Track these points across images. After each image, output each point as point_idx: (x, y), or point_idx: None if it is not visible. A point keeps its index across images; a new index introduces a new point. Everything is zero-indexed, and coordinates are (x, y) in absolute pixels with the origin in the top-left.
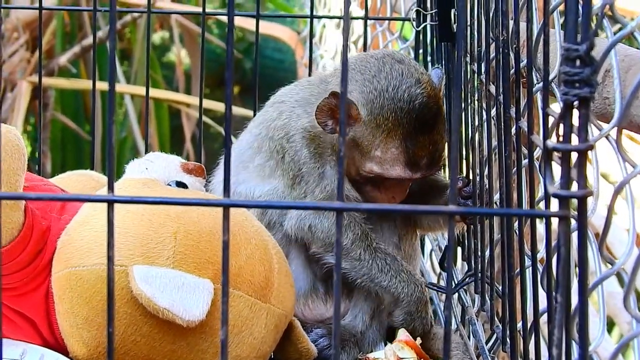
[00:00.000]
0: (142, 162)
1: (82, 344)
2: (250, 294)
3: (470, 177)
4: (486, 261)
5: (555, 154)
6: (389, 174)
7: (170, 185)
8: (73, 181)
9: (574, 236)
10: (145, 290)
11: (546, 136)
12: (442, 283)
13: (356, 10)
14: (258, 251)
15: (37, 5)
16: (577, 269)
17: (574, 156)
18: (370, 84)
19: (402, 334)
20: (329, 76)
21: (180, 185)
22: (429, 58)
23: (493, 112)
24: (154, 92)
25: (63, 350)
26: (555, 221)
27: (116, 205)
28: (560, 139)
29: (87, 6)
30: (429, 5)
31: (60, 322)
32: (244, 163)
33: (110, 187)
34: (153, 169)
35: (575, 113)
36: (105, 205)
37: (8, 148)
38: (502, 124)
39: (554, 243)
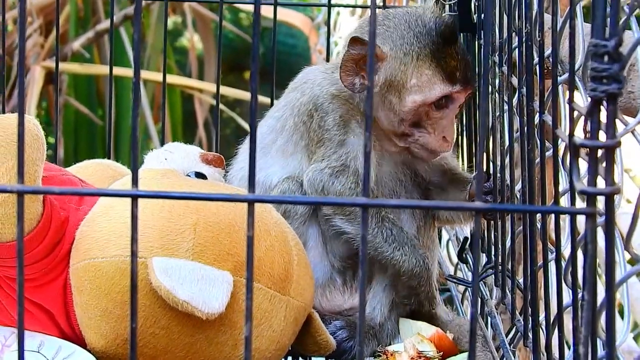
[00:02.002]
0: (162, 153)
1: (100, 335)
2: (269, 287)
3: (491, 172)
4: (507, 254)
5: (582, 150)
6: (431, 96)
7: (189, 175)
8: (91, 170)
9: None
10: (164, 283)
11: (572, 132)
12: (460, 274)
13: None
14: (277, 243)
15: None
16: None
17: (600, 152)
18: (385, 25)
19: (428, 329)
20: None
21: (200, 176)
22: None
23: (514, 104)
24: (167, 78)
25: (81, 342)
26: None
27: None
28: (588, 135)
29: None
30: None
31: (78, 313)
32: (265, 149)
33: (135, 182)
34: (172, 160)
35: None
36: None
37: (27, 138)
38: (525, 116)
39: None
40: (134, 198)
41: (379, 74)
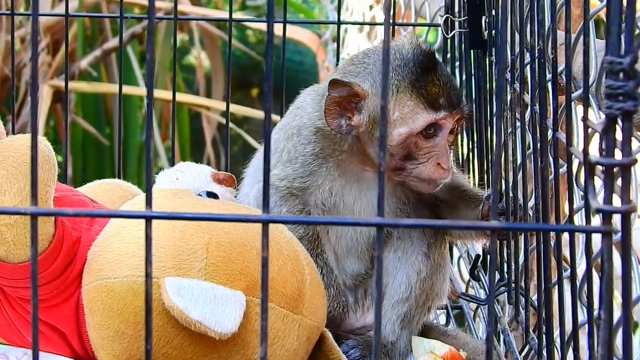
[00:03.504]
0: (173, 172)
1: (112, 356)
2: (282, 306)
3: (503, 190)
4: (520, 271)
5: (597, 168)
6: (416, 126)
7: (201, 195)
8: (102, 190)
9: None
10: (177, 303)
11: (586, 149)
12: (471, 291)
13: (380, 14)
14: (290, 262)
15: (61, 10)
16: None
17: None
18: (364, 64)
19: (441, 348)
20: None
21: (211, 195)
22: (456, 63)
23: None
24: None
25: None
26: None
27: None
28: (603, 153)
29: (108, 10)
30: (456, 11)
31: (90, 334)
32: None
33: (149, 203)
34: (184, 179)
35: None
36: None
37: (39, 159)
38: (538, 134)
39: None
40: (148, 219)
41: (362, 113)
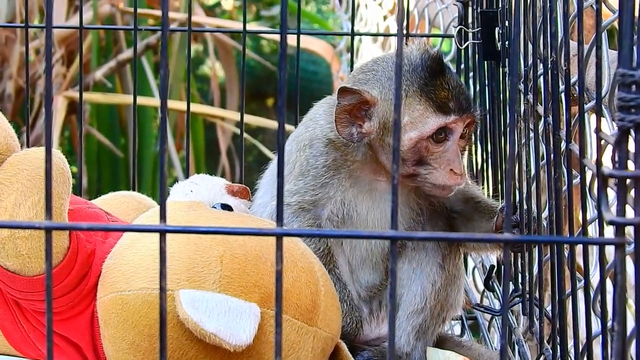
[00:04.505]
0: (187, 185)
1: None
2: (297, 318)
3: (517, 201)
4: (534, 282)
5: (610, 180)
6: (426, 130)
7: (215, 207)
8: (116, 202)
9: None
10: (192, 315)
11: (599, 161)
12: (486, 301)
13: (393, 24)
14: (304, 274)
15: (75, 21)
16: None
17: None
18: (373, 71)
19: (456, 359)
20: None
21: (226, 207)
22: (470, 74)
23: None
24: (190, 106)
25: None
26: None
27: None
28: (616, 165)
29: (122, 21)
30: (470, 22)
31: (105, 346)
32: (275, 181)
33: (163, 217)
34: (198, 192)
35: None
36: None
37: (53, 172)
38: (552, 145)
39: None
40: (162, 233)
41: (372, 120)
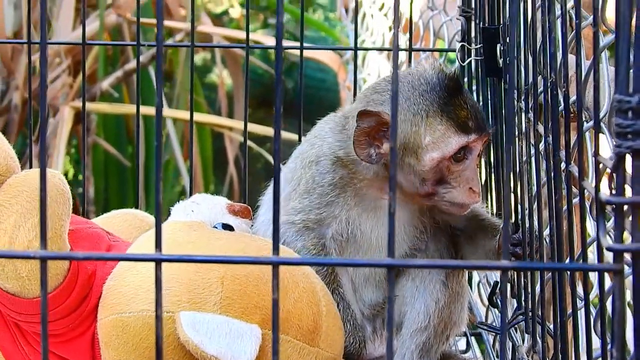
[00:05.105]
0: (188, 205)
1: None
2: (298, 339)
3: (519, 220)
4: (536, 300)
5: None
6: (449, 150)
7: (216, 227)
8: (118, 221)
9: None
10: (192, 337)
11: (598, 186)
12: (491, 318)
13: (399, 36)
14: (306, 294)
15: (79, 33)
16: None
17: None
18: (387, 92)
19: None
20: (352, 109)
21: (227, 227)
22: (473, 87)
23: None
24: (197, 116)
25: None
26: None
27: (163, 248)
28: (613, 190)
29: (129, 31)
30: (473, 37)
31: None
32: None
33: (158, 246)
34: (199, 211)
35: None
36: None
37: (53, 193)
38: (552, 166)
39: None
40: (158, 262)
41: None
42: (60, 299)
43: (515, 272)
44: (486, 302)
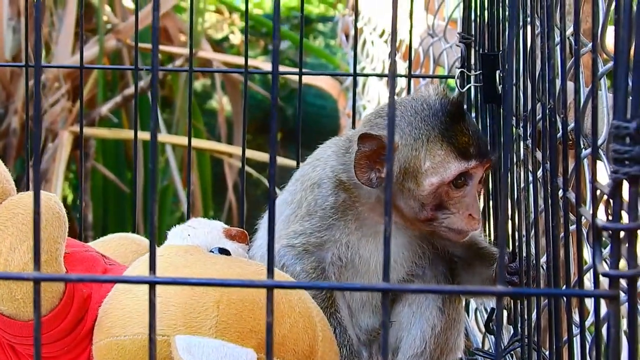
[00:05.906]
0: (185, 229)
1: None
2: None
3: (516, 251)
4: (532, 327)
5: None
6: (448, 176)
7: (212, 251)
8: (114, 245)
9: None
10: None
11: (595, 212)
12: (487, 344)
13: (400, 63)
14: (302, 319)
15: (78, 57)
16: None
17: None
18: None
19: None
20: (356, 133)
21: (223, 251)
22: (472, 114)
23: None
24: (196, 142)
25: None
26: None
27: (158, 272)
28: (610, 217)
29: (129, 55)
30: (473, 64)
31: None
32: (279, 224)
33: (152, 269)
34: (195, 236)
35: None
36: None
37: (48, 216)
38: (550, 193)
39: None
40: (152, 285)
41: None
42: (56, 322)
43: (511, 299)
44: (483, 329)
